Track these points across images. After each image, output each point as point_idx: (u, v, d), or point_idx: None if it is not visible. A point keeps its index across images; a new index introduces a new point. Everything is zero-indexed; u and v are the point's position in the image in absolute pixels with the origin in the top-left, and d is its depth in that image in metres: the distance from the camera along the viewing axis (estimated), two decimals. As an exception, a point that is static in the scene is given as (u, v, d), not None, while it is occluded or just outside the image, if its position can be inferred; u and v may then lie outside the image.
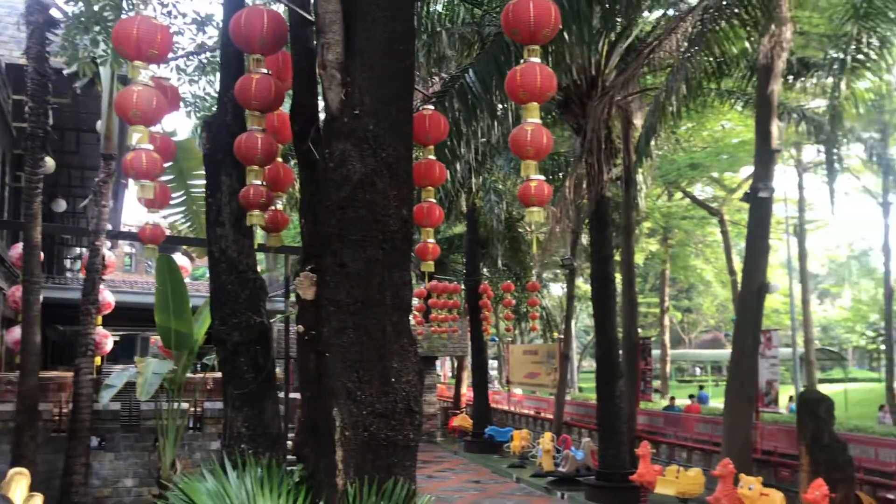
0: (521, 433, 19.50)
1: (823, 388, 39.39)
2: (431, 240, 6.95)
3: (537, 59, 5.07)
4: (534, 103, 5.15)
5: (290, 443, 10.02)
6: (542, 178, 5.39)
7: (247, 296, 6.10)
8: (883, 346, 34.06)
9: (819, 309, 61.15)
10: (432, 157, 6.61)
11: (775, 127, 13.37)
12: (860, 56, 11.52)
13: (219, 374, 7.63)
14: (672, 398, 16.08)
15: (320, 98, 5.57)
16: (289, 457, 6.68)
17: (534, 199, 5.39)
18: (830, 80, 12.05)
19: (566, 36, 9.15)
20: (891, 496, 9.15)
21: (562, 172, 18.70)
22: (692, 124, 27.27)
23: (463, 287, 24.51)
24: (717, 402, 28.72)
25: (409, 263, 5.28)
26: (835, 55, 12.09)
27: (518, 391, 28.39)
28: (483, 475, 17.93)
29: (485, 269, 26.80)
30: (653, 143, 13.90)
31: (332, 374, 4.97)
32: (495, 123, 10.93)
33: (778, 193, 23.63)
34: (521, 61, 5.14)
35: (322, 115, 5.68)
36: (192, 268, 21.78)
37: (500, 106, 10.99)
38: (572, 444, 17.02)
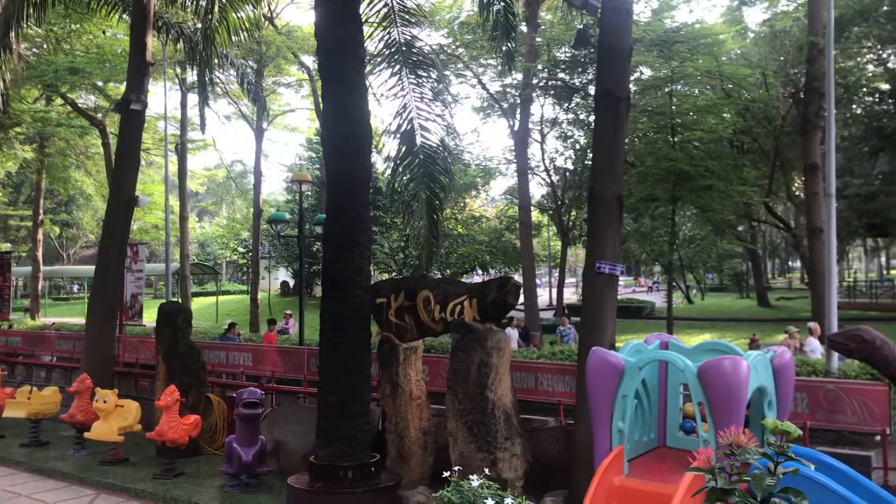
0: None
1: (198, 301, 41.84)
2: None
3: None
4: None
5: None
6: None
7: None
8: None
9: (198, 226, 64.40)
10: None
11: (150, 39, 13.28)
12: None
13: None
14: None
15: None
16: None
17: None
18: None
19: None
20: (233, 394, 10.16)
21: None
22: (76, 25, 25.48)
23: None
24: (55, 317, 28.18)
25: None
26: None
27: None
28: None
29: None
30: (14, 36, 12.41)
31: None
32: None
33: (161, 110, 23.79)
34: None
35: None
36: None
37: None
38: None
